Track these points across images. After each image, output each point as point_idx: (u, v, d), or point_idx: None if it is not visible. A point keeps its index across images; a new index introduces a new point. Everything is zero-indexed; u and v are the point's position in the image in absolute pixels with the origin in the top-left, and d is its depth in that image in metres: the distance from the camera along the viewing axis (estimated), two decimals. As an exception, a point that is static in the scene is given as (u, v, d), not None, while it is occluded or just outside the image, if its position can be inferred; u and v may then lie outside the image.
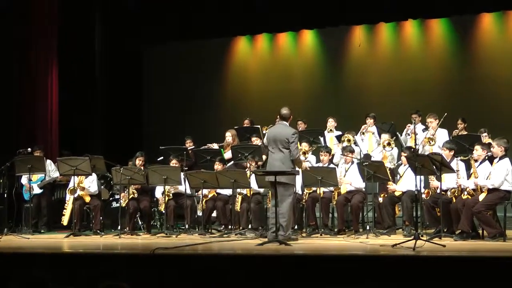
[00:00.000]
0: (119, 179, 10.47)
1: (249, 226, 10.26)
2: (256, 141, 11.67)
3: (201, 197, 10.80)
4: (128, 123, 15.25)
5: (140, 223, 11.44)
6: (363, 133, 11.84)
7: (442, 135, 10.98)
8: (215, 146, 12.05)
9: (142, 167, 10.83)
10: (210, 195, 10.89)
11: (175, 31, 15.10)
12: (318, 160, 10.85)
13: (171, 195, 10.76)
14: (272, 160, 9.02)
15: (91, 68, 14.89)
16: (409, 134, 11.51)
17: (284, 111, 9.24)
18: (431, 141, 10.65)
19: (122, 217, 10.87)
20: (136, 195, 10.87)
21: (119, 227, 10.81)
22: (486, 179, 8.85)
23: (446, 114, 11.02)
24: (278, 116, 9.41)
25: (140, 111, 16.12)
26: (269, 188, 9.85)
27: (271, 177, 8.87)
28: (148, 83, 16.17)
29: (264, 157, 11.88)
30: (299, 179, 10.15)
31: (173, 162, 11.00)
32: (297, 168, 9.14)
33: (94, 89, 14.91)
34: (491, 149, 9.02)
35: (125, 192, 10.83)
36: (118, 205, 11.47)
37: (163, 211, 10.73)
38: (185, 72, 15.75)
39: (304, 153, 10.82)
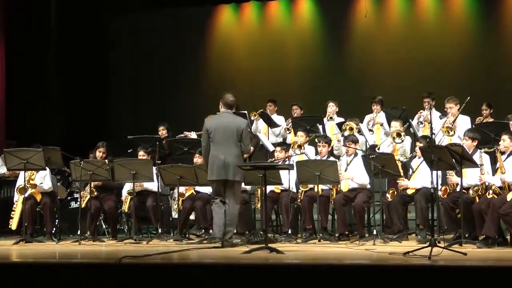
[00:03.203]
0: (78, 174, 10.41)
1: (234, 231, 10.22)
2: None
3: (176, 196, 10.76)
4: (90, 108, 15.20)
5: (104, 227, 11.41)
6: (371, 130, 11.84)
7: (464, 122, 10.98)
8: (193, 135, 12.01)
9: (106, 161, 10.78)
10: (187, 194, 10.85)
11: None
12: (317, 152, 10.83)
13: (135, 193, 10.72)
14: (220, 155, 9.18)
15: (46, 43, 14.78)
16: (421, 122, 11.50)
17: (231, 98, 9.45)
18: (450, 131, 10.64)
19: (82, 220, 10.81)
20: (96, 194, 10.81)
21: (78, 232, 10.76)
22: (515, 175, 8.86)
23: (468, 98, 11.03)
24: (220, 104, 9.53)
25: (105, 93, 16.06)
26: (258, 185, 9.89)
27: (216, 174, 9.10)
28: (114, 61, 16.10)
29: (252, 148, 11.89)
30: (293, 175, 10.15)
31: (141, 155, 10.96)
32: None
33: (49, 68, 14.81)
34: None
35: (86, 190, 10.78)
36: (77, 205, 11.42)
37: (131, 213, 10.71)
38: (158, 47, 15.69)
39: (300, 146, 10.81)
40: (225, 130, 9.25)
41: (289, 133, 12.51)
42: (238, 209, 9.35)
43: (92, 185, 10.75)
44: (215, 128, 9.32)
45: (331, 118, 12.13)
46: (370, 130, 11.83)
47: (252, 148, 11.93)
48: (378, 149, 11.10)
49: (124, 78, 15.93)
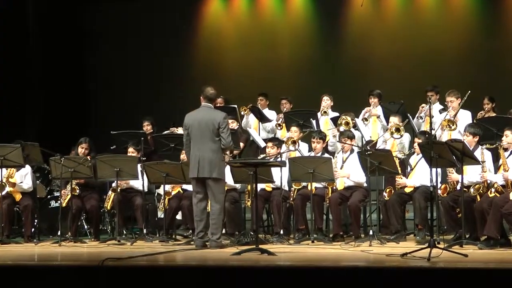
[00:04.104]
0: (59, 171, 10.39)
1: (223, 231, 10.23)
2: (232, 124, 11.63)
3: (162, 195, 10.75)
4: (71, 102, 15.14)
5: (85, 227, 11.37)
6: (366, 119, 11.83)
7: (465, 117, 11.00)
8: (180, 130, 11.98)
9: (88, 157, 10.76)
10: (174, 192, 10.85)
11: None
12: (310, 149, 10.83)
13: (118, 190, 10.71)
14: (198, 151, 9.26)
15: (22, 32, 14.72)
16: (422, 118, 11.51)
17: (211, 90, 9.53)
18: (451, 125, 10.65)
19: (62, 220, 10.78)
20: (77, 192, 10.77)
21: (59, 233, 10.73)
22: (519, 172, 8.88)
23: (470, 91, 11.04)
24: (201, 97, 9.58)
25: (86, 86, 15.99)
26: (248, 183, 9.89)
27: (192, 172, 9.21)
28: (96, 53, 16.01)
29: (241, 144, 11.90)
30: (285, 172, 10.15)
31: (131, 151, 10.97)
32: (226, 158, 9.50)
33: (26, 59, 14.75)
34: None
35: (67, 188, 10.76)
36: (57, 204, 11.39)
37: (115, 212, 10.70)
38: (143, 39, 15.63)
39: (294, 142, 10.80)
40: (200, 125, 9.32)
41: (280, 129, 12.50)
42: (219, 209, 9.34)
43: (73, 183, 10.72)
44: (191, 124, 9.40)
45: (325, 112, 12.13)
46: (365, 119, 11.80)
47: (242, 144, 11.94)
48: (375, 145, 11.11)
49: (107, 71, 15.86)
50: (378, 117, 11.87)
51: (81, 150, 10.98)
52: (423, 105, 11.54)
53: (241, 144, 11.95)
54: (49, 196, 11.91)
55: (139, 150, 10.98)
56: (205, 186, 9.33)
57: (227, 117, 9.48)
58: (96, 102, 15.94)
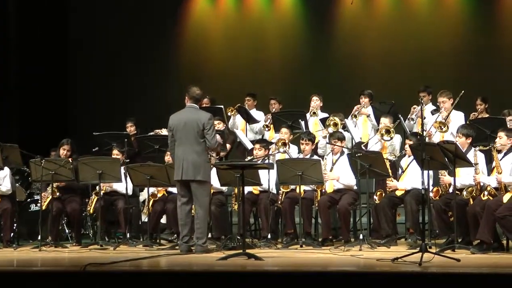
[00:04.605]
0: (39, 174, 10.36)
1: (209, 235, 10.23)
2: (219, 125, 11.64)
3: (147, 198, 10.73)
4: (51, 102, 15.08)
5: (67, 231, 11.35)
6: (355, 116, 11.84)
7: (457, 118, 11.02)
8: (164, 132, 11.96)
9: (70, 159, 10.73)
10: (159, 195, 10.84)
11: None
12: (299, 151, 10.83)
13: (101, 194, 10.68)
14: (182, 154, 9.26)
15: (5, 31, 14.71)
16: (413, 119, 11.53)
17: (197, 91, 9.53)
18: (443, 126, 10.67)
19: (43, 224, 10.75)
20: (58, 195, 10.73)
21: (39, 237, 10.69)
22: (512, 175, 8.91)
23: (463, 92, 11.07)
24: (186, 98, 9.59)
25: (67, 86, 15.94)
26: (235, 185, 9.88)
27: (176, 175, 9.20)
28: (79, 52, 15.96)
29: (228, 146, 11.90)
30: (273, 175, 10.14)
31: (115, 153, 10.97)
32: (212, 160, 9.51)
33: (4, 59, 14.69)
34: (519, 136, 9.09)
35: (48, 191, 10.72)
36: (38, 208, 11.35)
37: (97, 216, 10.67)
38: (126, 37, 15.60)
39: (285, 144, 10.80)
40: (185, 127, 9.32)
41: (268, 130, 12.48)
42: (204, 212, 9.34)
43: (54, 186, 10.68)
44: (176, 125, 9.41)
45: (314, 113, 12.12)
46: (354, 116, 11.79)
47: (228, 145, 11.94)
48: (366, 146, 11.12)
49: (90, 70, 15.82)
50: (368, 116, 11.86)
51: (63, 151, 10.95)
52: (415, 106, 11.54)
53: (228, 146, 11.95)
54: (29, 200, 11.88)
55: (124, 152, 10.96)
56: (190, 189, 9.32)
57: (212, 117, 9.47)
58: (78, 102, 15.88)
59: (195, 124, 9.27)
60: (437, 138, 10.65)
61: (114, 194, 10.87)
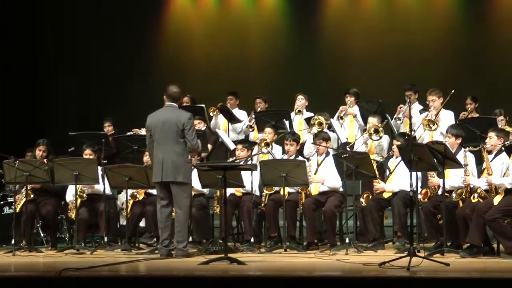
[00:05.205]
0: (13, 176, 10.30)
1: (190, 239, 10.21)
2: (199, 125, 11.62)
3: (125, 200, 10.70)
4: (25, 100, 15.01)
5: (42, 235, 11.31)
6: (341, 117, 11.84)
7: (447, 118, 11.05)
8: (143, 131, 11.93)
9: (45, 160, 10.68)
10: (140, 197, 10.83)
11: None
12: (284, 152, 10.82)
13: (84, 195, 10.63)
14: (161, 154, 9.26)
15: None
16: (400, 119, 11.54)
17: (174, 89, 9.53)
18: (432, 124, 10.69)
19: (16, 227, 10.70)
20: (32, 196, 10.68)
21: (12, 241, 10.64)
22: (503, 176, 8.91)
23: (453, 91, 11.10)
24: (164, 97, 9.60)
25: (43, 85, 15.87)
26: (217, 187, 9.86)
27: (155, 176, 9.22)
28: (55, 50, 15.90)
29: (210, 146, 11.88)
30: (256, 176, 10.13)
31: (87, 153, 10.88)
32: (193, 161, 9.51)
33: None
34: (510, 136, 9.11)
35: (22, 193, 10.66)
36: (11, 211, 11.30)
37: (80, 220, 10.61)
38: (106, 36, 15.54)
39: (268, 144, 10.80)
40: (163, 126, 9.30)
41: (252, 130, 12.47)
42: (184, 215, 9.32)
43: (28, 188, 10.62)
44: (155, 125, 9.39)
45: (299, 111, 12.11)
46: (341, 118, 11.79)
47: (210, 146, 11.92)
48: (352, 147, 11.12)
49: (66, 68, 15.75)
50: (355, 116, 11.87)
51: (38, 152, 10.90)
52: (401, 105, 11.56)
53: (209, 146, 11.93)
54: (2, 202, 11.84)
55: (97, 151, 10.91)
56: (170, 191, 9.29)
57: (192, 117, 9.44)
58: (53, 101, 15.80)
59: (174, 123, 9.25)
60: (426, 138, 10.67)
61: (94, 197, 10.78)
